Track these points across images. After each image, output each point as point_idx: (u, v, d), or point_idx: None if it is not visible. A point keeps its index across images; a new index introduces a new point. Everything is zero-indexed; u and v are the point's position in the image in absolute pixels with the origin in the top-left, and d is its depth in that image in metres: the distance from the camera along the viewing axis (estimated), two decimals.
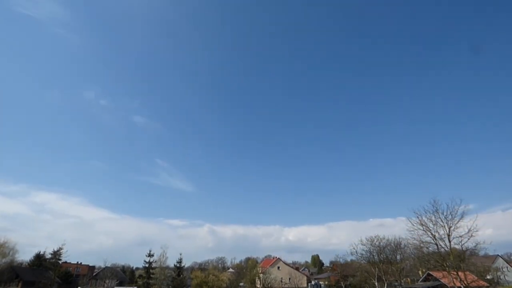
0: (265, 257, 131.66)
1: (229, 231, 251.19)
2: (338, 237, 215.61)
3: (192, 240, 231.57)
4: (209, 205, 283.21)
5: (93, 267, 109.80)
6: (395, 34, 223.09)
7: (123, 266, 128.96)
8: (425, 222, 34.73)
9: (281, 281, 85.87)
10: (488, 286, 47.47)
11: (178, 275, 63.67)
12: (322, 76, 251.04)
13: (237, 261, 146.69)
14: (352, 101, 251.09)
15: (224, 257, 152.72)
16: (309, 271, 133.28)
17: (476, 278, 41.58)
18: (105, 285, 64.97)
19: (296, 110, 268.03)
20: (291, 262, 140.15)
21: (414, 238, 36.52)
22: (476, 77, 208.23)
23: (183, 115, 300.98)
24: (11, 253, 66.72)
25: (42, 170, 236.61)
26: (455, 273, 33.94)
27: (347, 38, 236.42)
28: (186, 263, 75.78)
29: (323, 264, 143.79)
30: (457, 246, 33.69)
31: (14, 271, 68.15)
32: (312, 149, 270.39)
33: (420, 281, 56.73)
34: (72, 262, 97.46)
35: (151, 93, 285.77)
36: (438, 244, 33.95)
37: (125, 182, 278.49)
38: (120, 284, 77.82)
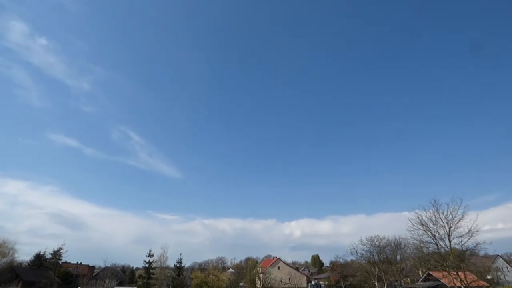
0: (265, 257, 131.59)
1: (226, 226, 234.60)
2: (347, 231, 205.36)
3: (187, 236, 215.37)
4: (200, 196, 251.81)
5: (93, 267, 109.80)
6: (395, 32, 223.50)
7: (123, 266, 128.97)
8: (425, 222, 34.76)
9: (281, 281, 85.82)
10: (488, 286, 47.37)
11: (178, 275, 63.60)
12: (324, 73, 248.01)
13: (237, 261, 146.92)
14: (353, 97, 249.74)
15: (224, 257, 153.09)
16: (309, 271, 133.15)
17: (476, 278, 41.54)
18: (105, 285, 64.84)
19: (293, 104, 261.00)
20: (291, 262, 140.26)
21: (414, 238, 36.58)
22: (477, 74, 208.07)
23: (159, 69, 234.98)
24: (10, 253, 66.71)
25: None
26: (455, 273, 33.91)
27: (346, 37, 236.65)
28: (186, 263, 75.82)
29: (323, 264, 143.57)
30: (457, 246, 33.72)
31: (14, 271, 68.16)
32: (309, 147, 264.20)
33: (420, 281, 56.66)
34: (72, 262, 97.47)
35: (108, 35, 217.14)
36: (438, 244, 33.97)
37: (98, 163, 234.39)
38: (120, 284, 77.76)
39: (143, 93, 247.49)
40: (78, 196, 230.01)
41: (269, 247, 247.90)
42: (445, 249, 33.87)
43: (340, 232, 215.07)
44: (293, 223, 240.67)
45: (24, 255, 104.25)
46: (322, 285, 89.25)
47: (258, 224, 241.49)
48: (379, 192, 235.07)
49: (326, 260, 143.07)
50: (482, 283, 44.38)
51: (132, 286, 70.64)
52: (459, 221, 32.57)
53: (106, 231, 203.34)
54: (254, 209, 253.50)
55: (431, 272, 52.54)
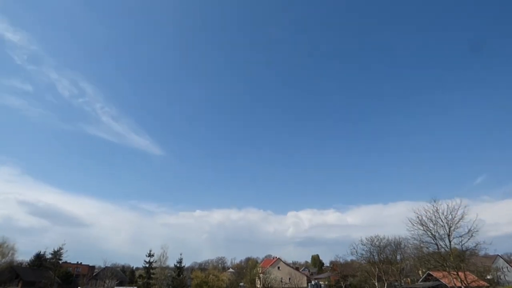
0: (265, 256, 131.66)
1: (222, 218, 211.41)
2: (361, 223, 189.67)
3: (181, 231, 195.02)
4: (187, 178, 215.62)
5: (93, 267, 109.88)
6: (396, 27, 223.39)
7: (123, 266, 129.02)
8: (425, 222, 34.78)
9: (281, 281, 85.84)
10: (488, 286, 47.40)
11: (178, 275, 63.62)
12: (326, 69, 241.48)
13: (237, 261, 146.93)
14: (354, 94, 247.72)
15: (224, 257, 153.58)
16: (309, 271, 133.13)
17: (476, 278, 41.55)
18: (105, 285, 64.90)
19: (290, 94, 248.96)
20: (291, 261, 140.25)
21: (414, 238, 36.64)
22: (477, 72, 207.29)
23: None
24: (10, 253, 66.67)
25: None
26: (455, 273, 33.91)
27: (348, 36, 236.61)
28: (186, 263, 75.85)
29: (323, 264, 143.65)
30: (457, 246, 33.76)
31: (14, 271, 68.19)
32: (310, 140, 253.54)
33: (420, 281, 56.67)
34: (72, 262, 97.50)
35: None
36: (438, 244, 34.00)
37: (54, 132, 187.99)
38: (120, 284, 77.74)
39: (94, 19, 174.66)
40: (44, 181, 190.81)
41: (272, 243, 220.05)
42: (445, 249, 33.91)
43: (352, 223, 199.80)
44: (300, 214, 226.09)
45: None
46: (322, 285, 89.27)
47: (255, 214, 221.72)
48: (397, 181, 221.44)
49: (326, 260, 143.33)
50: (482, 283, 44.38)
51: (132, 286, 70.65)
52: (459, 221, 32.67)
53: (89, 224, 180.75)
54: (251, 198, 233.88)
55: (431, 272, 52.54)
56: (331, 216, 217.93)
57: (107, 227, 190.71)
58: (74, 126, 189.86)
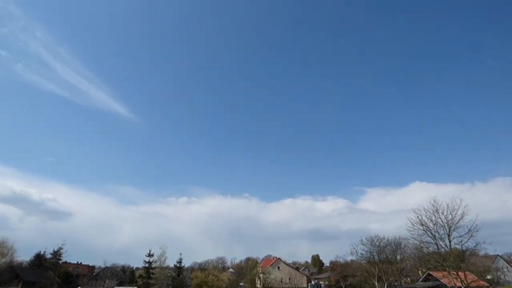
0: (265, 257, 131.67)
1: (217, 208, 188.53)
2: (374, 211, 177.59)
3: (173, 224, 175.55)
4: (170, 153, 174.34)
5: (93, 267, 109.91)
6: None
7: (123, 266, 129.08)
8: (425, 222, 34.82)
9: (281, 281, 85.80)
10: (488, 286, 47.41)
11: (178, 275, 63.64)
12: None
13: (237, 261, 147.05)
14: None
15: (224, 257, 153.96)
16: (309, 271, 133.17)
17: (476, 278, 41.57)
18: (105, 285, 64.92)
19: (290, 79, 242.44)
20: (291, 261, 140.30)
21: (414, 238, 36.67)
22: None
23: None
24: (9, 252, 66.69)
25: None
26: (455, 273, 33.91)
27: (350, 34, 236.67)
28: (186, 263, 75.86)
29: (323, 264, 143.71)
30: (457, 246, 33.77)
31: (14, 271, 68.19)
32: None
33: (420, 281, 56.64)
34: (72, 262, 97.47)
35: None
36: (438, 244, 34.03)
37: None
38: (120, 284, 77.74)
39: None
40: None
41: (276, 236, 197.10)
42: (445, 249, 33.94)
43: (367, 211, 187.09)
44: (298, 201, 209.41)
45: None
46: (322, 285, 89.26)
47: (251, 202, 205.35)
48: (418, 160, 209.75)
49: (326, 260, 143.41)
50: (482, 283, 44.40)
51: (132, 286, 70.65)
52: (459, 221, 32.67)
53: (66, 213, 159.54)
54: (246, 184, 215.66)
55: (431, 272, 52.52)
56: (338, 204, 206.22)
57: (87, 219, 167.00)
58: (3, 69, 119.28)
